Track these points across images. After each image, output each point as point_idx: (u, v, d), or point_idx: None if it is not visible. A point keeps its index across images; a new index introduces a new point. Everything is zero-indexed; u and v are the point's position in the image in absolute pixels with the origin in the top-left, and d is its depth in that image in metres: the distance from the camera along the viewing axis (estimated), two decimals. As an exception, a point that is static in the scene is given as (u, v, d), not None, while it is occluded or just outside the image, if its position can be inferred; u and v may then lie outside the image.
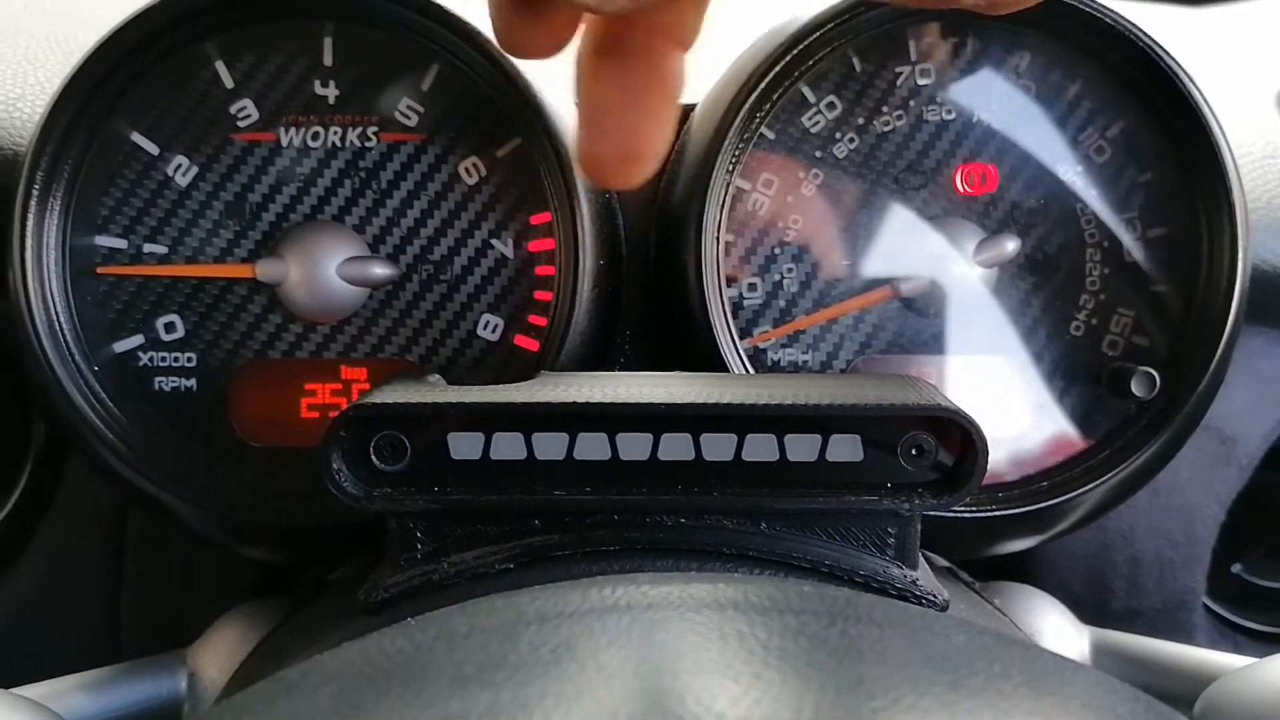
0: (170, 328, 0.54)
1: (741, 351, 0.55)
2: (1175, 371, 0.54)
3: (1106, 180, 0.56)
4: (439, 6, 0.52)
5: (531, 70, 0.53)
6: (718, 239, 0.54)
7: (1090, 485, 0.54)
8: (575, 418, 0.40)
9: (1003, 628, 0.47)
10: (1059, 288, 0.56)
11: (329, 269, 0.53)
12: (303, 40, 0.54)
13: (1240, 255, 0.53)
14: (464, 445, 0.41)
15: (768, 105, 0.55)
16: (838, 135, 0.56)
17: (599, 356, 0.56)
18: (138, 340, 0.54)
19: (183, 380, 0.54)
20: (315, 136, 0.54)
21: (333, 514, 0.51)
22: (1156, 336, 0.56)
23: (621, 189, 0.39)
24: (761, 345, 0.56)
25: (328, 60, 0.54)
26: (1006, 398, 0.56)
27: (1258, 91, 0.68)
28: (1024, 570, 0.63)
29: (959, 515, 0.53)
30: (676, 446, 0.41)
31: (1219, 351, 0.54)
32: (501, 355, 0.55)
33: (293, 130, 0.54)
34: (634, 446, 0.41)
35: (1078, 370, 0.56)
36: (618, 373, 0.57)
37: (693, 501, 0.40)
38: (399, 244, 0.54)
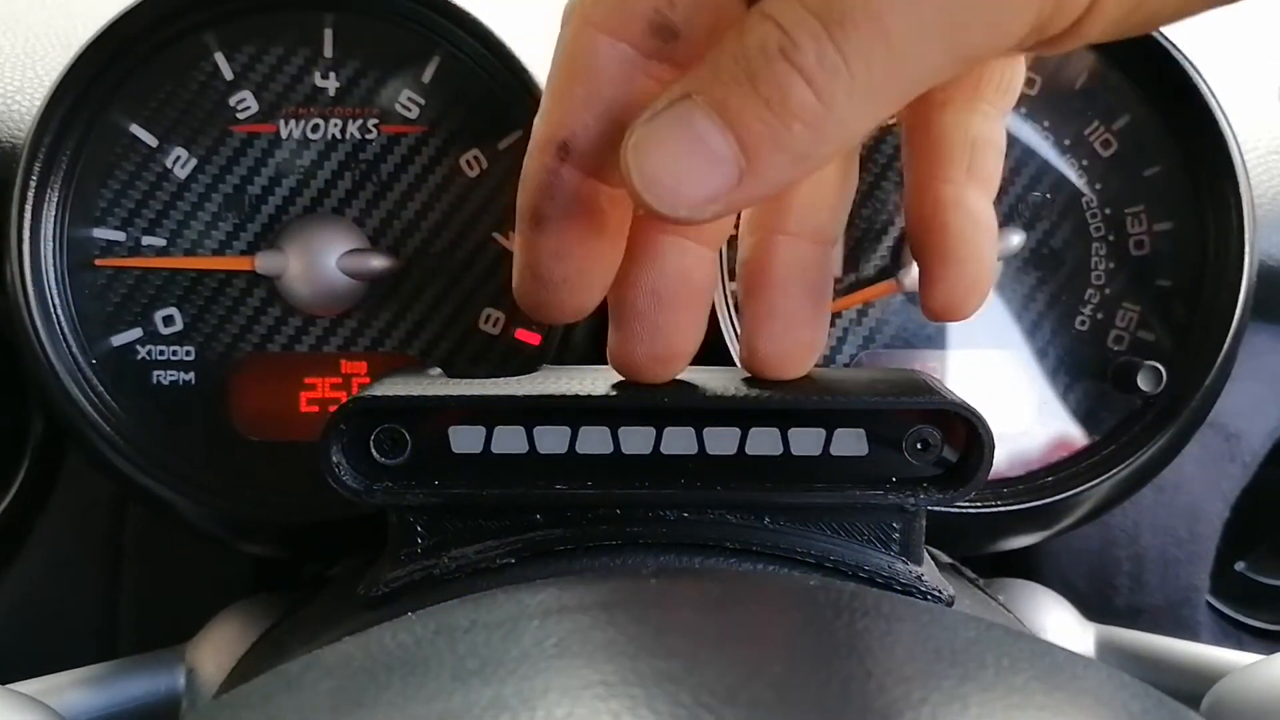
0: (169, 321, 0.54)
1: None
2: (1181, 367, 0.54)
3: (1112, 174, 0.55)
4: (441, -3, 0.52)
5: (534, 62, 0.53)
6: (721, 232, 0.54)
7: (1095, 481, 0.54)
8: (577, 411, 0.40)
9: (1009, 624, 0.47)
10: (1064, 282, 0.56)
11: (329, 262, 0.53)
12: (303, 31, 0.53)
13: (1247, 250, 0.53)
14: (465, 439, 0.40)
15: (771, 98, 0.54)
16: (841, 128, 0.55)
17: (601, 351, 0.56)
18: (136, 333, 0.53)
19: (181, 374, 0.54)
20: (315, 128, 0.54)
21: (332, 508, 0.50)
22: (1162, 332, 0.55)
23: (654, 383, 0.39)
24: (764, 340, 0.55)
25: (328, 52, 0.54)
26: (1010, 393, 0.55)
27: (1263, 87, 0.68)
28: (1027, 567, 0.63)
29: (962, 511, 0.53)
30: (679, 440, 0.40)
31: (1225, 347, 0.53)
32: (503, 349, 0.54)
33: (293, 122, 0.54)
34: (637, 440, 0.40)
35: (1082, 365, 0.56)
36: (620, 367, 0.57)
37: (696, 496, 0.40)
38: (400, 237, 0.54)
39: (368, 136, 0.54)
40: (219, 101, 0.53)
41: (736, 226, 0.53)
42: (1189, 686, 0.45)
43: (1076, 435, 0.55)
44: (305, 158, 0.54)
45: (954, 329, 0.56)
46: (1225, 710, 0.41)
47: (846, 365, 0.56)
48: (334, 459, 0.39)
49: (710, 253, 0.38)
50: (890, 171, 0.55)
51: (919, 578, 0.39)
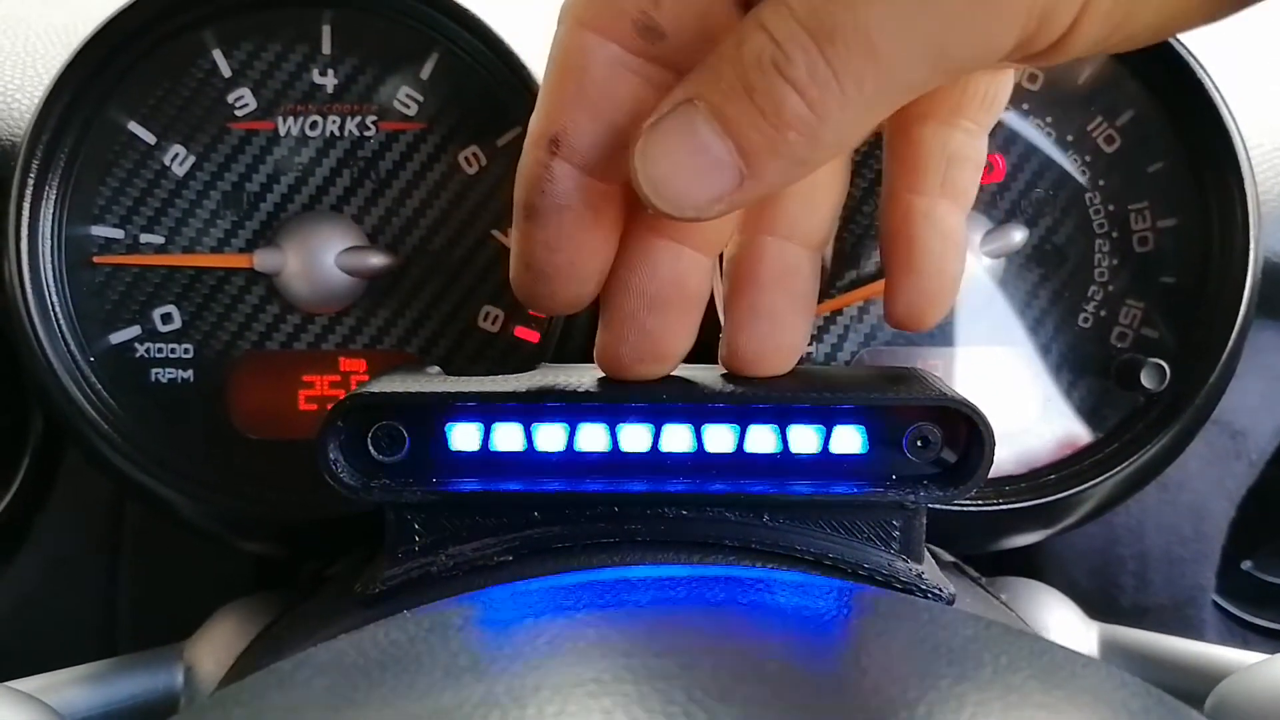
0: (167, 318, 0.53)
1: (745, 343, 0.54)
2: (1185, 364, 0.54)
3: (1116, 170, 0.55)
4: (439, -6, 0.52)
5: (532, 59, 0.53)
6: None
7: (1098, 479, 0.53)
8: (576, 409, 0.40)
9: (1010, 622, 0.46)
10: (1067, 279, 0.55)
11: (327, 259, 0.53)
12: (301, 28, 0.53)
13: (1252, 246, 0.53)
14: (463, 436, 0.40)
15: (772, 94, 0.54)
16: (843, 124, 0.55)
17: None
18: (134, 331, 0.53)
19: (179, 371, 0.53)
20: (314, 125, 0.53)
21: (330, 506, 0.50)
22: (1166, 329, 0.55)
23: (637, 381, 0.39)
24: (765, 337, 0.55)
25: (326, 48, 0.53)
26: (1013, 390, 0.55)
27: (1269, 83, 0.67)
28: (1030, 565, 0.63)
29: (964, 509, 0.52)
30: (678, 438, 0.40)
31: (1230, 344, 0.53)
32: (502, 347, 0.54)
33: (291, 119, 0.53)
34: (635, 438, 0.40)
35: (1085, 362, 0.55)
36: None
37: (694, 494, 0.40)
38: (398, 234, 0.54)
39: (366, 133, 0.54)
40: (217, 99, 0.53)
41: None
42: (1193, 686, 0.44)
43: (1080, 433, 0.55)
44: (303, 155, 0.54)
45: (956, 326, 0.55)
46: (1229, 709, 0.41)
47: (847, 363, 0.55)
48: (331, 456, 0.39)
49: (706, 260, 0.38)
50: (892, 168, 0.55)
51: (919, 576, 0.39)
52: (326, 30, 0.53)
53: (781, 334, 0.40)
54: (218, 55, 0.53)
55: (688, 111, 0.30)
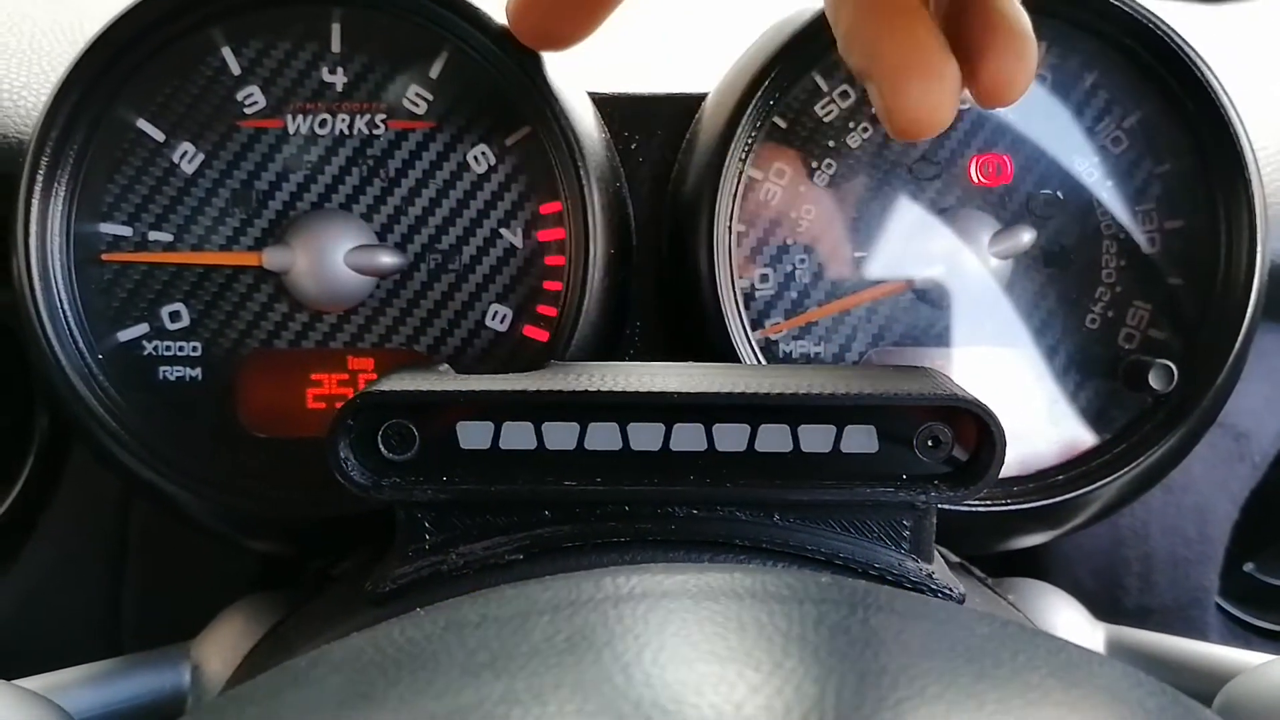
0: (175, 316, 0.53)
1: (754, 343, 0.54)
2: (1192, 366, 0.54)
3: (1123, 171, 0.55)
4: (448, -8, 0.52)
5: (542, 57, 0.53)
6: (730, 229, 0.54)
7: (1105, 480, 0.53)
8: (586, 407, 0.40)
9: (1021, 623, 0.46)
10: (1074, 280, 0.55)
11: (336, 257, 0.53)
12: (311, 26, 0.53)
13: (1259, 248, 0.53)
14: (473, 434, 0.40)
15: (780, 94, 0.54)
16: (851, 125, 0.55)
17: (609, 347, 0.56)
18: (142, 329, 0.53)
19: (188, 369, 0.53)
20: (323, 124, 0.53)
21: (340, 504, 0.50)
22: (1173, 330, 0.55)
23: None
24: (773, 337, 0.55)
25: (336, 47, 0.53)
26: (1020, 391, 0.55)
27: (1276, 85, 0.67)
28: (1036, 566, 0.63)
29: (972, 509, 0.52)
30: (688, 437, 0.40)
31: (1236, 346, 0.53)
32: (510, 346, 0.54)
33: (300, 117, 0.53)
34: (645, 436, 0.40)
35: (1093, 364, 0.55)
36: (629, 362, 0.57)
37: (705, 492, 0.40)
38: (407, 233, 0.54)
39: (375, 132, 0.54)
40: (226, 96, 0.53)
41: (732, 219, 0.54)
42: (1199, 686, 0.45)
43: (1087, 434, 0.55)
44: (313, 153, 0.53)
45: (964, 327, 0.55)
46: (1237, 711, 0.41)
47: (856, 362, 0.55)
48: (342, 455, 0.39)
49: None
50: (898, 168, 0.55)
51: (929, 575, 0.39)
52: (336, 28, 0.53)
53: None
54: (227, 53, 0.53)
55: None
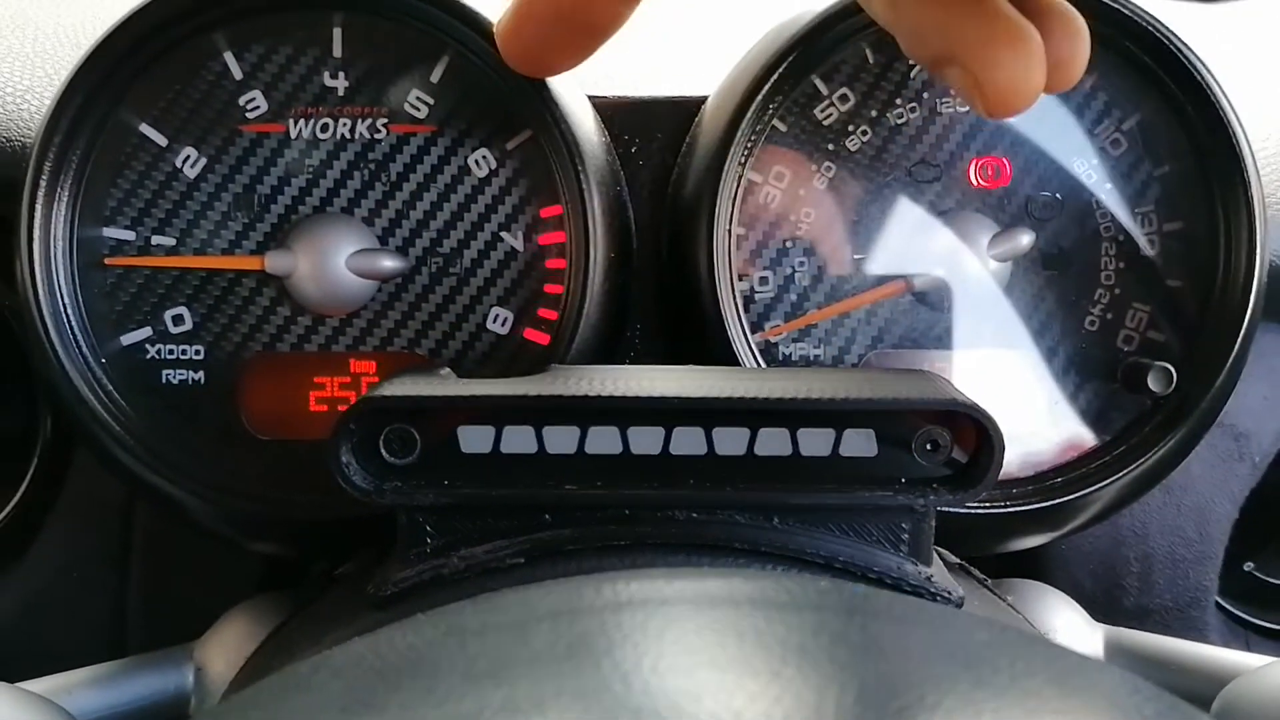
0: (178, 320, 0.54)
1: (753, 345, 0.54)
2: (1191, 367, 0.54)
3: (1122, 174, 0.55)
4: (449, -3, 0.52)
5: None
6: (729, 232, 0.54)
7: (1104, 482, 0.54)
8: (586, 411, 0.40)
9: (1019, 625, 0.47)
10: (1073, 282, 0.55)
11: (338, 261, 0.53)
12: (312, 31, 0.53)
13: (1258, 250, 0.53)
14: (474, 439, 0.40)
15: (780, 97, 0.54)
16: (850, 128, 0.55)
17: (609, 350, 0.56)
18: (145, 333, 0.53)
19: (190, 373, 0.54)
20: (324, 128, 0.54)
21: (341, 508, 0.50)
22: (1172, 332, 0.55)
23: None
24: (773, 339, 0.55)
25: (337, 51, 0.54)
26: (1020, 393, 0.55)
27: (1274, 87, 0.68)
28: (1036, 567, 0.63)
29: (971, 511, 0.53)
30: (688, 441, 0.40)
31: (1236, 347, 0.53)
32: (511, 349, 0.54)
33: (302, 122, 0.54)
34: (646, 440, 0.40)
35: (1092, 366, 0.55)
36: (629, 366, 0.57)
37: (705, 496, 0.40)
38: (408, 236, 0.54)
39: (377, 136, 0.54)
40: (228, 101, 0.53)
41: (732, 222, 0.54)
42: (1199, 688, 0.45)
43: (1086, 436, 0.55)
44: (314, 157, 0.54)
45: (964, 330, 0.55)
46: (1236, 712, 0.41)
47: (854, 365, 0.56)
48: (343, 459, 0.39)
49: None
50: (897, 171, 0.55)
51: (928, 579, 0.39)
52: (338, 33, 0.53)
53: None
54: (229, 58, 0.53)
55: None
